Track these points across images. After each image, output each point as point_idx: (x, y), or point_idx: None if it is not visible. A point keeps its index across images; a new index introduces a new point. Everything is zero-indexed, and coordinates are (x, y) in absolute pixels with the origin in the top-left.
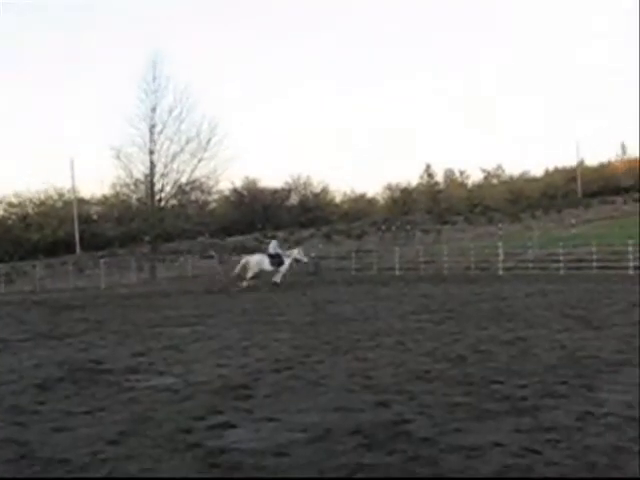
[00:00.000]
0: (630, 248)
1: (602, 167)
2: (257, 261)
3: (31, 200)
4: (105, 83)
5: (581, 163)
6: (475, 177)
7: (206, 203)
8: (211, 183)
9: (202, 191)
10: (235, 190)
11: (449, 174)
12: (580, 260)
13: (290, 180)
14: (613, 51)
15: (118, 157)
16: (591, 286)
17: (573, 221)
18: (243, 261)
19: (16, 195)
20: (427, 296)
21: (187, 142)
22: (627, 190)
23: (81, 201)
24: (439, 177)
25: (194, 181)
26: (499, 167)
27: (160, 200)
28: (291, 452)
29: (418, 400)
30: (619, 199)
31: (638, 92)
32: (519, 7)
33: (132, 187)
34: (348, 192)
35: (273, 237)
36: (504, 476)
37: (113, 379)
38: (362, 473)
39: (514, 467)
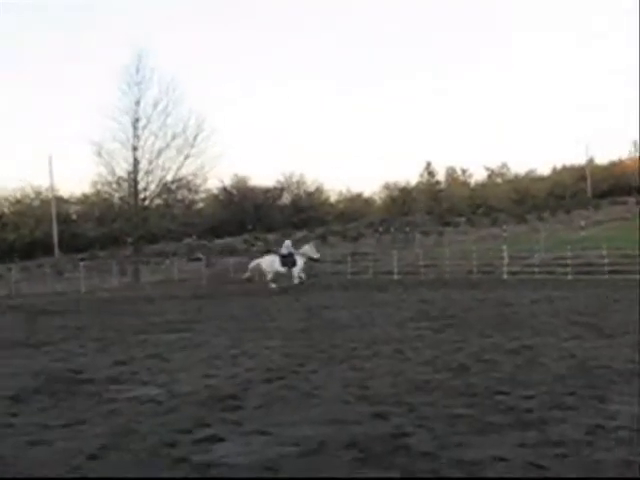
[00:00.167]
0: None
1: (613, 165)
2: (269, 263)
3: (6, 198)
4: (105, 83)
5: (591, 161)
6: (478, 176)
7: (193, 202)
8: (198, 181)
9: (189, 190)
10: (224, 189)
11: (451, 172)
12: (590, 264)
13: (282, 178)
14: (613, 51)
15: (99, 153)
16: (601, 292)
17: (582, 223)
18: (254, 264)
19: None
20: (427, 302)
21: (173, 137)
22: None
23: (60, 200)
24: (440, 176)
25: (180, 179)
26: (504, 165)
27: (144, 199)
28: (282, 467)
29: (417, 412)
30: (631, 199)
31: (638, 92)
32: (519, 7)
33: (114, 185)
34: (344, 191)
35: (287, 238)
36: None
37: (93, 390)
38: None
39: None
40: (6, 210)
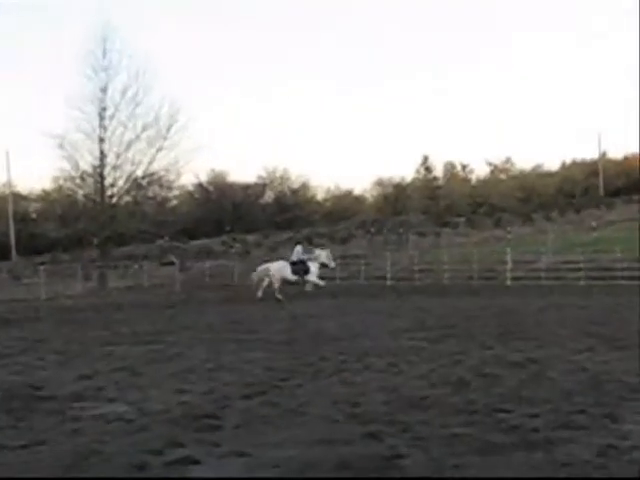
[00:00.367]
0: None
1: (627, 160)
2: (278, 269)
3: None
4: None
5: (603, 156)
6: (480, 171)
7: (166, 200)
8: (172, 177)
9: (161, 186)
10: (200, 185)
11: (450, 168)
12: (602, 269)
13: (264, 174)
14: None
15: (61, 146)
16: (615, 299)
17: (594, 223)
18: (262, 268)
19: None
20: (423, 310)
21: (144, 128)
22: None
23: (17, 196)
24: (438, 171)
25: (152, 174)
26: (508, 160)
27: (111, 196)
28: None
29: (412, 431)
30: None
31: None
32: (519, 7)
33: (78, 181)
34: (332, 188)
35: (298, 242)
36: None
37: (55, 407)
38: None
39: None
40: None
